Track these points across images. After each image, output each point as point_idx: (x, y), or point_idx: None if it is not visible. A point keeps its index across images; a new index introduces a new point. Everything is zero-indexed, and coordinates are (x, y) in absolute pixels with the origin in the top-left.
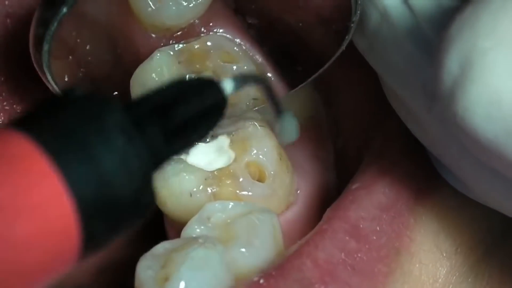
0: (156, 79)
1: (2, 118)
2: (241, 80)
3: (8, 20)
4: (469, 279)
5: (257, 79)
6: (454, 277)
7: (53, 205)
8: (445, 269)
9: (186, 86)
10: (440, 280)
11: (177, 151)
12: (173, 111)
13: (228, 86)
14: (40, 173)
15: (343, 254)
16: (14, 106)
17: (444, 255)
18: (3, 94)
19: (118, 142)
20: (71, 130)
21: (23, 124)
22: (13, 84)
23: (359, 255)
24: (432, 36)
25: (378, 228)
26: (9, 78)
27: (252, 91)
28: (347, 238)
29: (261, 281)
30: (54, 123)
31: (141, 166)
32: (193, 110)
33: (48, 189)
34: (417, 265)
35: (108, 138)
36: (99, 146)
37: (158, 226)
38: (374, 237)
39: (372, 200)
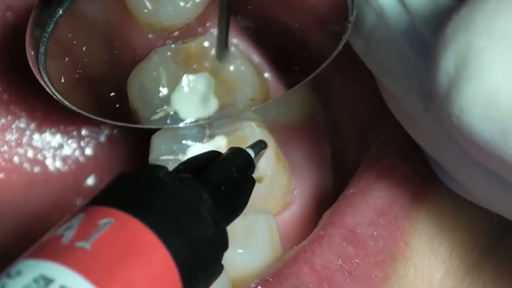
0: (153, 79)
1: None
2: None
3: (8, 13)
4: (465, 283)
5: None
6: (449, 281)
7: (168, 277)
8: (440, 273)
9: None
10: (435, 284)
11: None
12: (223, 181)
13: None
14: (160, 256)
15: (340, 260)
16: (12, 96)
17: (439, 259)
18: (1, 85)
19: (207, 219)
20: (173, 216)
21: (136, 210)
22: (12, 75)
23: (356, 260)
24: (428, 36)
25: (375, 233)
26: (8, 70)
27: (249, 92)
28: (344, 243)
29: (259, 287)
30: (158, 210)
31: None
32: (235, 177)
33: (164, 267)
34: (412, 270)
35: (200, 217)
36: (195, 227)
37: None
38: (372, 242)
39: (369, 205)
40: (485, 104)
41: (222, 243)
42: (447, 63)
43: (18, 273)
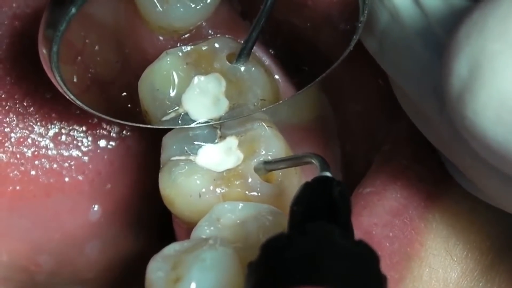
0: (165, 80)
1: (15, 120)
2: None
3: (16, 22)
4: (481, 284)
5: None
6: (465, 282)
7: None
8: (456, 274)
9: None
10: (451, 284)
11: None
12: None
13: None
14: None
15: None
16: (26, 107)
17: (455, 259)
18: (15, 96)
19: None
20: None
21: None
22: (24, 84)
23: None
24: (443, 37)
25: (390, 234)
26: (20, 79)
27: (259, 92)
28: None
29: None
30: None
31: None
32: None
33: None
34: (427, 270)
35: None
36: None
37: (167, 227)
38: (387, 243)
39: (384, 206)
40: (498, 107)
41: None
42: (460, 67)
43: None
